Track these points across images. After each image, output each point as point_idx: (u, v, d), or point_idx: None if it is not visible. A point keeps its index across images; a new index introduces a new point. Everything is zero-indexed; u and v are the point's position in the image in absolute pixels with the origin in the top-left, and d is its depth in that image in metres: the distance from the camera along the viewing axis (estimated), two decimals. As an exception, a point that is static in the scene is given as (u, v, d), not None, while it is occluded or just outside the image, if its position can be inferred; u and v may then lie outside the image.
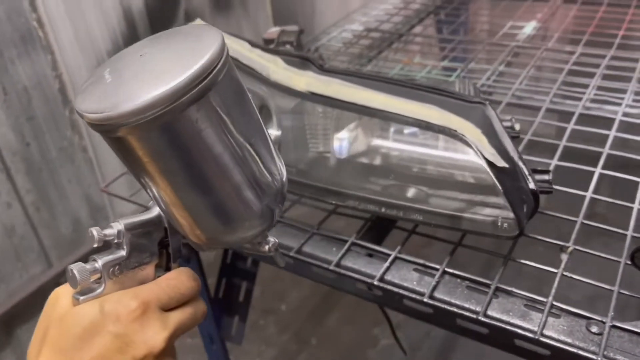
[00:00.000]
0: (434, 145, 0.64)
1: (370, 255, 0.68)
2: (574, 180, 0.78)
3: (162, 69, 0.36)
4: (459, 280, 0.62)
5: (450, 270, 0.63)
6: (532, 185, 0.61)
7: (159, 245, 0.44)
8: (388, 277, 0.63)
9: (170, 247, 0.45)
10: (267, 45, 0.99)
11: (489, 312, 0.57)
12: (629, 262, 0.61)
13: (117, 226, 0.41)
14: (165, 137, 0.36)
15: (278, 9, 2.26)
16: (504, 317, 0.57)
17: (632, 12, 1.35)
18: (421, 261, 0.64)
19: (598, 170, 0.76)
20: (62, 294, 0.41)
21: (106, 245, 0.42)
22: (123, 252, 0.41)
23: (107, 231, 0.41)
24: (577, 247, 0.63)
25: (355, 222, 0.75)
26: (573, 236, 0.65)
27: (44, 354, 0.39)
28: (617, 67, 1.05)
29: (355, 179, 0.68)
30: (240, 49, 0.77)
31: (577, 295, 0.78)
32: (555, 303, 0.57)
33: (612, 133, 0.84)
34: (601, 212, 1.61)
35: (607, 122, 0.88)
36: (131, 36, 1.69)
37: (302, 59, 0.75)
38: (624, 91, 0.96)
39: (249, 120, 0.41)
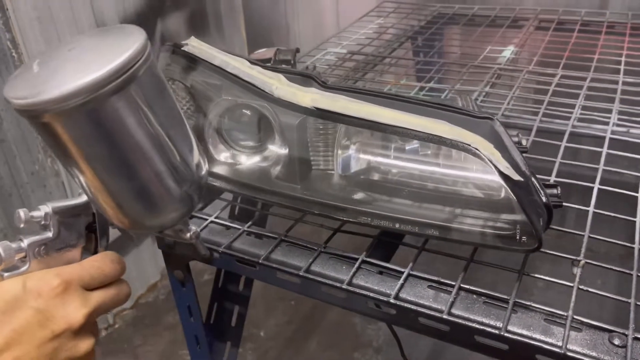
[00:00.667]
0: (448, 161, 0.63)
1: (380, 273, 0.66)
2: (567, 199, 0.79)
3: (87, 62, 0.39)
4: (475, 296, 0.61)
5: (466, 286, 0.62)
6: (544, 199, 0.61)
7: (86, 229, 0.48)
8: (403, 294, 0.62)
9: (98, 232, 0.48)
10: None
11: (510, 328, 0.57)
12: (642, 274, 0.61)
13: (45, 209, 0.45)
14: (88, 124, 0.39)
15: (252, 33, 2.26)
16: (526, 332, 0.56)
17: (603, 37, 1.41)
18: (435, 278, 0.63)
19: (596, 186, 0.77)
20: None
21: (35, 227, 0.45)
22: (50, 234, 0.44)
23: (35, 213, 0.44)
24: (588, 261, 0.64)
25: (350, 240, 0.74)
26: (582, 250, 0.65)
27: None
28: (599, 88, 1.08)
29: (368, 196, 0.67)
30: (239, 66, 0.75)
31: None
32: (575, 317, 0.57)
33: (605, 150, 0.86)
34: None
35: (595, 140, 0.91)
36: (106, 58, 1.65)
37: (304, 76, 0.74)
38: (609, 110, 0.99)
39: (169, 114, 0.45)
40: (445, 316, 0.58)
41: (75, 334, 0.42)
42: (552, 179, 0.79)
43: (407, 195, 0.66)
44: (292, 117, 0.71)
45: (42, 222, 0.45)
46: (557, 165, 0.83)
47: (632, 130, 0.93)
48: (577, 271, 0.63)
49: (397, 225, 0.64)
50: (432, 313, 0.59)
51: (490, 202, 0.61)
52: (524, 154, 0.68)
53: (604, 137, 0.90)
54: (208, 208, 0.83)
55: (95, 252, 0.49)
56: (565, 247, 0.67)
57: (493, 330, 0.56)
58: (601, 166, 0.82)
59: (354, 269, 0.65)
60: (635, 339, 0.54)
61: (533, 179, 0.62)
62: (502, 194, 0.63)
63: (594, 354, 0.53)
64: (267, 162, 0.76)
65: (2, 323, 0.40)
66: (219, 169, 0.78)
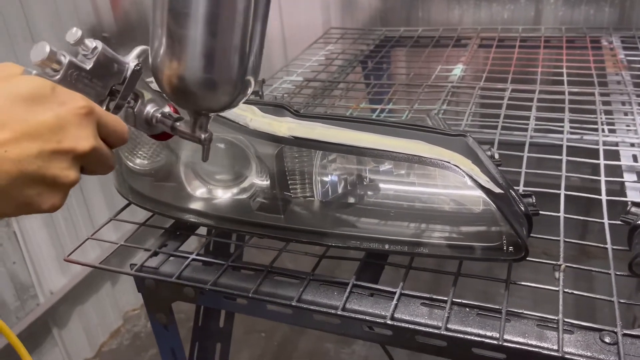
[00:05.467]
0: (422, 179, 0.65)
1: (371, 295, 0.67)
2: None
3: None
4: (467, 309, 0.63)
5: (459, 300, 0.63)
6: (523, 209, 0.64)
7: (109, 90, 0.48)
8: (398, 314, 0.63)
9: (120, 95, 0.49)
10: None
11: (506, 337, 0.58)
12: (620, 273, 0.64)
13: (98, 43, 0.45)
14: None
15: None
16: (523, 340, 0.58)
17: (542, 52, 1.49)
18: (427, 295, 0.64)
19: (562, 192, 0.81)
20: (13, 65, 0.41)
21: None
22: (87, 66, 0.45)
23: (87, 41, 0.45)
24: (569, 265, 0.66)
25: (338, 266, 0.74)
26: (561, 254, 0.68)
27: None
28: (548, 100, 1.14)
29: (353, 219, 0.67)
30: (210, 100, 0.75)
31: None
32: (566, 320, 0.59)
33: (564, 158, 0.90)
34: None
35: (554, 148, 0.95)
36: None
37: (276, 106, 0.75)
38: (561, 120, 1.04)
39: (265, 7, 0.49)
40: (443, 332, 0.59)
41: (73, 160, 0.41)
42: (521, 189, 0.82)
43: (392, 216, 0.67)
44: (269, 148, 0.71)
45: (86, 53, 0.45)
46: (523, 175, 0.86)
47: (585, 137, 0.98)
48: (559, 275, 0.65)
49: (386, 247, 0.65)
50: (430, 330, 0.60)
51: (479, 215, 0.63)
52: (499, 167, 0.71)
53: (561, 145, 0.94)
54: (184, 245, 0.81)
55: None
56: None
57: (491, 341, 0.57)
58: (564, 173, 0.86)
59: (346, 294, 0.65)
60: (624, 335, 0.57)
61: (511, 191, 0.64)
62: (481, 207, 0.65)
63: (588, 353, 0.55)
64: (246, 194, 0.75)
65: (16, 108, 0.38)
66: (196, 205, 0.77)
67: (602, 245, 0.70)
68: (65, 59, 0.43)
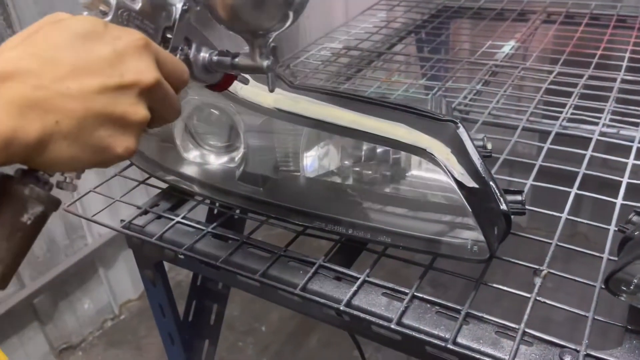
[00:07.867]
0: (404, 165, 0.62)
1: (338, 279, 0.65)
2: (555, 201, 0.76)
3: None
4: (429, 305, 0.60)
5: (420, 295, 0.60)
6: (503, 207, 0.59)
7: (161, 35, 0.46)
8: (355, 301, 0.61)
9: (172, 40, 0.46)
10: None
11: (459, 340, 0.55)
12: (603, 287, 0.58)
13: None
14: None
15: (261, 27, 2.24)
16: (474, 345, 0.54)
17: (610, 32, 1.35)
18: (391, 285, 0.62)
19: (574, 190, 0.74)
20: (61, 13, 0.39)
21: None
22: (136, 6, 0.43)
23: None
24: (551, 271, 0.61)
25: (327, 245, 0.73)
26: (547, 259, 0.63)
27: (17, 47, 0.36)
28: (595, 87, 1.04)
29: (323, 199, 0.66)
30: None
31: (559, 317, 0.75)
32: (527, 330, 0.55)
33: (589, 153, 0.82)
34: (583, 232, 1.59)
35: (584, 142, 0.87)
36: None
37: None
38: (601, 110, 0.95)
39: None
40: (393, 326, 0.57)
41: (139, 95, 0.38)
42: (529, 182, 0.76)
43: (364, 199, 0.65)
44: (255, 118, 0.70)
45: None
46: (536, 167, 0.79)
47: (622, 132, 0.89)
48: (538, 281, 0.60)
49: (350, 231, 0.63)
50: (382, 322, 0.58)
51: (446, 208, 0.59)
52: (491, 156, 0.66)
53: (590, 139, 0.86)
54: (180, 209, 0.82)
55: None
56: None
57: (439, 342, 0.54)
58: (582, 170, 0.78)
59: (309, 274, 0.64)
60: (587, 355, 0.52)
61: (492, 185, 0.60)
62: (452, 200, 0.60)
63: (541, 370, 0.51)
64: (234, 163, 0.75)
65: (76, 47, 0.36)
66: (186, 169, 0.78)
67: (598, 255, 0.64)
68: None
